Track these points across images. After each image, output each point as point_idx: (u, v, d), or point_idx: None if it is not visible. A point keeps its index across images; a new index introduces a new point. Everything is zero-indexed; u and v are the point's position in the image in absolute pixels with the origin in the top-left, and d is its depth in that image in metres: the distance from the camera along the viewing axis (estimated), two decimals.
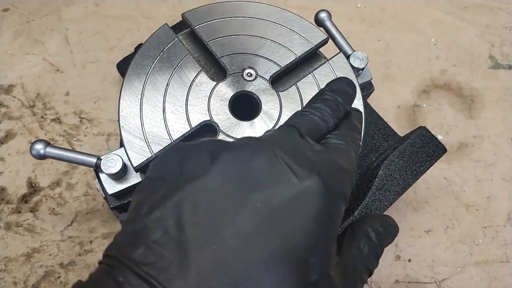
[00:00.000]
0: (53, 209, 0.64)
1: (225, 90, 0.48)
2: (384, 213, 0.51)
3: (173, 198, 0.29)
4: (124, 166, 0.44)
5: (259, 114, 0.48)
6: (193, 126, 0.46)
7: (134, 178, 0.45)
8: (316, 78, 0.50)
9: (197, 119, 0.46)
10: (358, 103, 0.49)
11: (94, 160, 0.44)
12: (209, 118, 0.47)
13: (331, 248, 0.31)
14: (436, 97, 0.75)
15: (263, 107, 0.48)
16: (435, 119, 0.73)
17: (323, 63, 0.51)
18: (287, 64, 0.50)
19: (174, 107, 0.47)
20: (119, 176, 0.45)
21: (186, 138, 0.46)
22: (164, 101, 0.47)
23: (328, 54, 0.53)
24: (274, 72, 0.49)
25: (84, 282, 0.29)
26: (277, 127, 0.47)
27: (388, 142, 0.58)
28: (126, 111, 0.46)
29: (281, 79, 0.52)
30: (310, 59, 0.53)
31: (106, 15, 0.77)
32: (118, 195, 0.46)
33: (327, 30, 0.54)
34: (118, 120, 0.46)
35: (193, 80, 0.48)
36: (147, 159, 0.44)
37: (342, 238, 0.39)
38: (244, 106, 0.49)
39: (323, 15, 0.55)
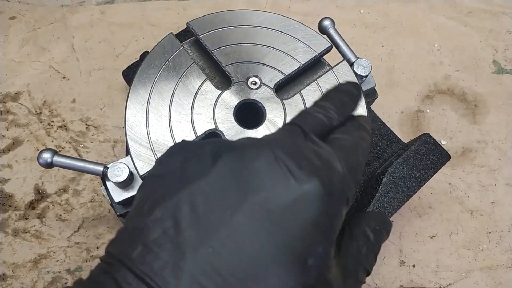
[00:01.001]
0: (60, 215, 0.64)
1: (230, 99, 0.49)
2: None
3: (173, 198, 0.29)
4: (131, 174, 0.45)
5: (263, 122, 0.48)
6: (198, 135, 0.47)
7: None
8: (320, 85, 0.51)
9: (202, 127, 0.47)
10: (362, 111, 0.50)
11: (101, 168, 0.45)
12: (214, 127, 0.47)
13: (330, 251, 0.31)
14: (440, 103, 0.75)
15: (267, 115, 0.48)
16: (439, 125, 0.73)
17: (327, 71, 0.52)
18: (291, 72, 0.50)
19: (180, 115, 0.47)
20: (126, 184, 0.45)
21: None
22: (169, 110, 0.47)
23: (331, 61, 0.54)
24: (278, 80, 0.50)
25: (84, 280, 0.29)
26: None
27: (392, 149, 0.58)
28: (132, 120, 0.46)
29: (285, 87, 0.52)
30: (314, 66, 0.53)
31: (112, 23, 0.77)
32: (125, 202, 0.47)
33: (331, 38, 0.55)
34: (125, 129, 0.46)
35: (198, 89, 0.49)
36: None
37: (340, 238, 0.39)
38: (249, 114, 0.50)
39: (326, 22, 0.55)
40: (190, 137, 0.46)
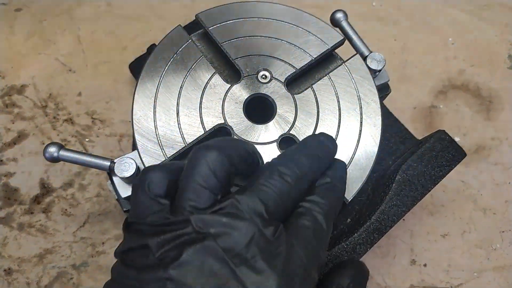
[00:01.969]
0: (66, 210, 0.64)
1: (240, 93, 0.47)
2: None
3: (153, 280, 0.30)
4: (138, 169, 0.44)
5: (274, 117, 0.47)
6: (207, 130, 0.45)
7: None
8: (332, 80, 0.49)
9: (211, 122, 0.46)
10: (375, 106, 0.48)
11: (107, 163, 0.44)
12: (223, 121, 0.46)
13: None
14: (454, 98, 0.73)
15: (278, 110, 0.47)
16: (452, 121, 0.72)
17: (340, 65, 0.50)
18: (302, 66, 0.49)
19: (188, 110, 0.46)
20: (133, 179, 0.44)
21: (200, 141, 0.45)
22: (178, 104, 0.46)
23: (343, 55, 0.52)
24: (289, 74, 0.49)
25: None
26: (293, 129, 0.46)
27: (405, 145, 0.56)
28: (140, 114, 0.45)
29: (296, 81, 0.51)
30: (326, 60, 0.52)
31: (118, 15, 0.76)
32: None
33: (343, 31, 0.53)
34: (132, 123, 0.45)
35: (207, 83, 0.47)
36: (160, 163, 0.44)
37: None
38: (259, 109, 0.48)
39: (339, 15, 0.54)
40: (199, 132, 0.45)
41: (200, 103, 0.46)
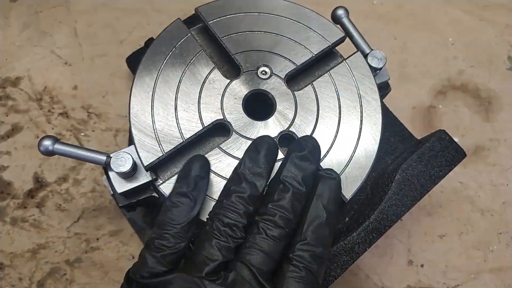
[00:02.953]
0: (60, 205, 0.63)
1: (239, 88, 0.47)
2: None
3: None
4: (134, 164, 0.43)
5: (273, 114, 0.46)
6: (205, 125, 0.45)
7: (144, 177, 0.44)
8: (333, 77, 0.48)
9: (209, 117, 0.45)
10: (375, 104, 0.48)
11: (103, 158, 0.43)
12: (222, 117, 0.45)
13: None
14: (453, 99, 0.73)
15: (277, 106, 0.46)
16: (451, 121, 0.71)
17: (340, 62, 0.49)
18: (303, 63, 0.48)
19: (186, 104, 0.45)
20: (129, 174, 0.43)
21: (198, 137, 0.44)
22: (176, 99, 0.45)
23: (343, 52, 0.51)
24: (289, 70, 0.48)
25: None
26: (292, 126, 0.46)
27: (404, 145, 0.56)
28: (137, 108, 0.44)
29: (296, 78, 0.50)
30: (326, 57, 0.51)
31: (116, 8, 0.75)
32: (127, 193, 0.45)
33: (344, 28, 0.53)
34: (129, 118, 0.44)
35: (206, 77, 0.47)
36: (158, 158, 0.43)
37: None
38: (258, 105, 0.48)
39: (340, 12, 0.53)
40: (197, 127, 0.44)
41: (199, 98, 0.46)
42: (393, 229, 0.59)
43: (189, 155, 0.45)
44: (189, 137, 0.44)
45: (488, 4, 0.80)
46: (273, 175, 0.40)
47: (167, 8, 0.76)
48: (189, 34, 0.48)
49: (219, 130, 0.46)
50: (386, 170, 0.52)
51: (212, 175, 0.42)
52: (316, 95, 0.48)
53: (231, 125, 0.45)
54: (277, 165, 0.41)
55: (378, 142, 0.46)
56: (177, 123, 0.44)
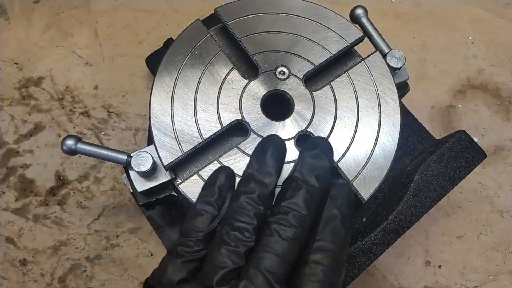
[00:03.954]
0: (81, 202, 0.64)
1: (257, 89, 0.47)
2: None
3: None
4: (154, 164, 0.44)
5: (291, 114, 0.46)
6: (224, 125, 0.45)
7: (164, 176, 0.45)
8: (351, 77, 0.48)
9: (228, 118, 0.45)
10: (394, 105, 0.47)
11: (124, 157, 0.44)
12: (240, 117, 0.46)
13: None
14: (472, 98, 0.72)
15: (295, 107, 0.47)
16: (471, 121, 0.71)
17: (359, 62, 0.49)
18: (321, 63, 0.48)
19: (205, 105, 0.46)
20: (149, 174, 0.44)
21: (217, 137, 0.45)
22: (195, 99, 0.46)
23: (362, 52, 0.51)
24: (307, 70, 0.48)
25: None
26: (310, 126, 0.46)
27: (423, 145, 0.56)
28: (157, 109, 0.45)
29: (314, 78, 0.50)
30: (344, 57, 0.51)
31: (135, 8, 0.76)
32: (147, 192, 0.46)
33: (363, 27, 0.52)
34: (149, 117, 0.45)
35: (225, 78, 0.47)
36: (177, 158, 0.43)
37: None
38: (276, 105, 0.48)
39: (359, 11, 0.53)
40: (216, 127, 0.45)
41: (218, 99, 0.46)
42: (411, 229, 0.58)
43: (208, 155, 0.46)
44: (208, 137, 0.44)
45: (509, 2, 0.79)
46: (285, 176, 0.39)
47: (186, 9, 0.76)
48: (208, 35, 0.48)
49: (238, 130, 0.46)
50: (404, 170, 0.52)
51: None
52: (334, 95, 0.48)
53: (249, 125, 0.45)
54: (290, 167, 0.41)
55: (396, 142, 0.46)
56: (196, 123, 0.45)
